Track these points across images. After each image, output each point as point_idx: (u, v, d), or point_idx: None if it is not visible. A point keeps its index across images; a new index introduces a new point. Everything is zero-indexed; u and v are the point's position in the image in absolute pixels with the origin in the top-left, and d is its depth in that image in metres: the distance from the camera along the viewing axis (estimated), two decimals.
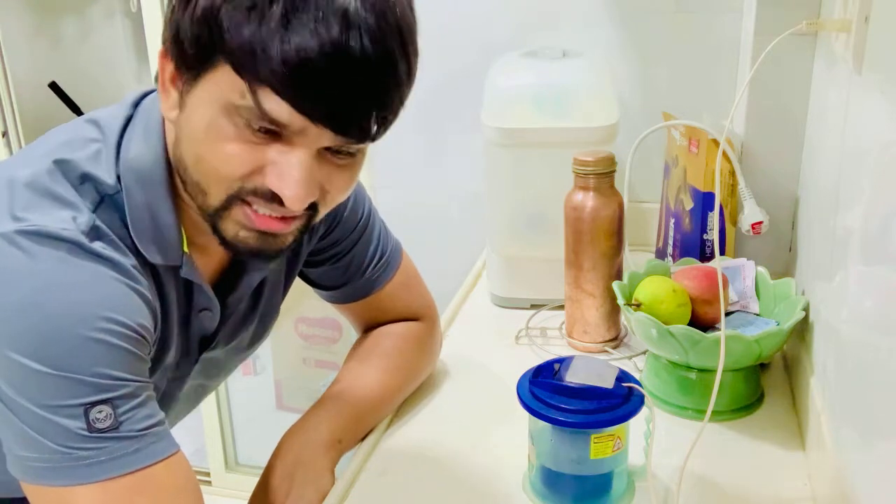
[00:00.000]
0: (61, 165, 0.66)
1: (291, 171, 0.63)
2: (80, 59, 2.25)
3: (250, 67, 0.59)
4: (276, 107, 0.60)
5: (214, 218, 0.67)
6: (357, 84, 0.60)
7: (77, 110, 2.13)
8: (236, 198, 0.65)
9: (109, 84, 2.29)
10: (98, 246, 0.64)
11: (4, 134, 1.92)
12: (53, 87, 2.12)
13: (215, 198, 0.66)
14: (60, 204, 0.65)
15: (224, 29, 0.59)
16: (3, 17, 1.98)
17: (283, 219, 0.67)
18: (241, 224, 0.67)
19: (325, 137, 0.63)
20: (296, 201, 0.64)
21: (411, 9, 0.65)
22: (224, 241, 0.68)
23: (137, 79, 2.31)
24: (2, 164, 0.70)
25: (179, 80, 0.65)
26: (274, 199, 0.65)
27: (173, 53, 0.64)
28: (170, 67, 0.65)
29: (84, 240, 0.63)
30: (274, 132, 0.62)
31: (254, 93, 0.60)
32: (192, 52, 0.62)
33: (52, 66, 2.16)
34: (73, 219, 0.64)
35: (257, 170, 0.64)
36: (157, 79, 0.69)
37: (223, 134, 0.63)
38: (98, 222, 0.65)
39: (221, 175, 0.64)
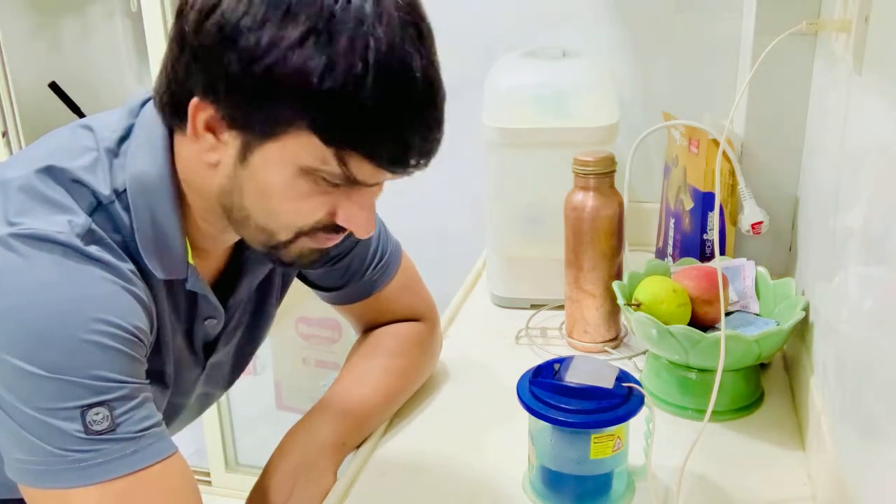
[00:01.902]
0: (55, 172, 0.66)
1: (363, 213, 0.68)
2: (80, 59, 2.25)
3: (341, 138, 0.62)
4: (361, 168, 0.64)
5: (277, 248, 0.70)
6: (433, 134, 0.65)
7: (77, 110, 2.13)
8: (304, 234, 0.69)
9: (109, 84, 2.29)
10: (94, 249, 0.64)
11: (4, 134, 1.92)
12: (53, 87, 2.12)
13: (282, 238, 0.69)
14: (56, 208, 0.64)
15: (312, 99, 0.60)
16: (3, 17, 1.98)
17: None
18: (308, 248, 0.71)
19: (391, 176, 0.67)
20: (367, 235, 0.70)
21: None
22: (282, 262, 0.72)
23: (138, 79, 2.31)
24: None
25: (226, 129, 0.64)
26: (339, 229, 0.69)
27: (222, 105, 0.63)
28: (208, 114, 0.64)
29: (79, 243, 0.63)
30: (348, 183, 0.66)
31: (341, 159, 0.63)
32: (263, 112, 0.62)
33: (52, 66, 2.16)
34: (68, 222, 0.64)
35: (329, 213, 0.68)
36: (158, 94, 0.68)
37: (299, 192, 0.65)
38: (94, 226, 0.65)
39: (295, 224, 0.68)
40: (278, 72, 0.59)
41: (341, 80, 0.59)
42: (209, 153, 0.66)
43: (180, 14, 0.64)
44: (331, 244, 0.71)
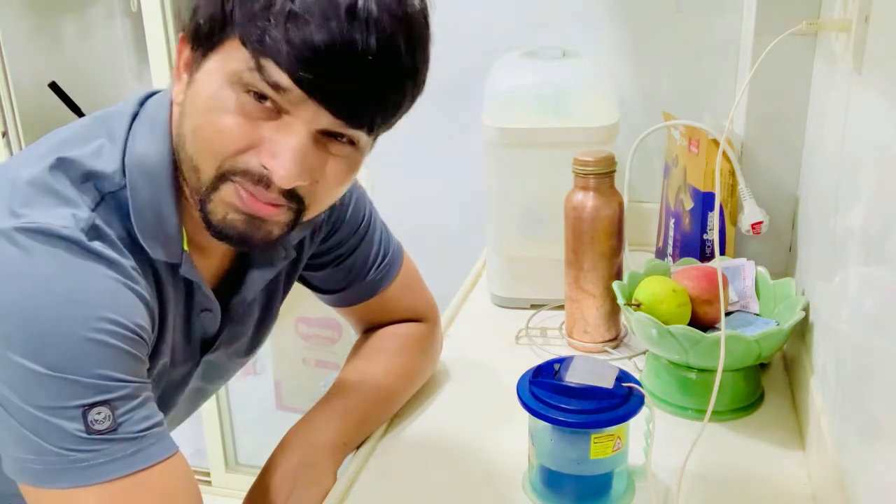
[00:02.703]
0: (62, 163, 0.66)
1: (285, 149, 0.63)
2: (80, 59, 2.26)
3: (257, 41, 0.61)
4: (279, 77, 0.62)
5: (204, 200, 0.67)
6: (358, 73, 0.62)
7: (77, 110, 2.13)
8: (226, 177, 0.66)
9: (109, 84, 2.29)
10: (97, 245, 0.64)
11: (4, 134, 1.92)
12: (53, 87, 2.12)
13: (206, 175, 0.66)
14: (60, 201, 0.64)
15: (237, 4, 0.62)
16: (3, 17, 1.98)
17: (272, 204, 0.67)
18: (230, 205, 0.67)
19: (322, 118, 0.64)
20: (286, 179, 0.64)
21: (425, 19, 0.67)
22: (211, 225, 0.68)
23: (138, 79, 2.31)
24: (5, 162, 0.70)
25: (193, 63, 0.67)
26: (261, 180, 0.65)
27: (190, 35, 0.66)
28: (186, 52, 0.68)
29: (83, 238, 0.63)
30: (273, 110, 0.64)
31: (258, 63, 0.62)
32: (206, 30, 0.65)
33: (52, 66, 2.16)
34: (72, 216, 0.63)
35: (251, 146, 0.64)
36: (171, 86, 0.70)
37: (224, 104, 0.64)
38: (98, 222, 0.65)
39: (215, 148, 0.65)
40: None
41: None
42: (180, 94, 0.68)
43: None
44: (256, 208, 0.66)
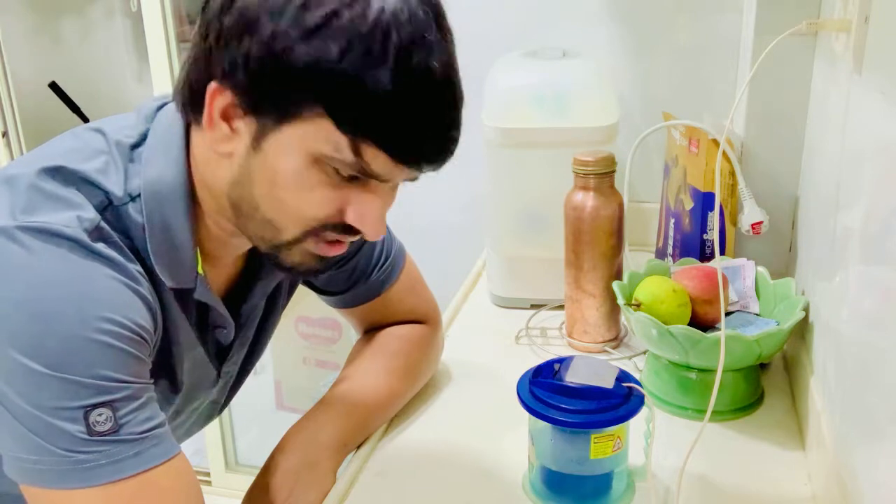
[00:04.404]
0: (66, 172, 0.65)
1: (373, 212, 0.67)
2: (80, 59, 2.26)
3: (357, 125, 0.61)
4: (376, 160, 0.63)
5: (280, 248, 0.69)
6: (449, 133, 0.66)
7: (77, 110, 2.13)
8: (312, 233, 0.68)
9: (109, 84, 2.29)
10: (101, 246, 0.63)
11: (4, 134, 1.92)
12: (53, 87, 2.12)
13: (290, 234, 0.68)
14: (64, 205, 0.64)
15: (330, 82, 0.60)
16: (3, 17, 1.98)
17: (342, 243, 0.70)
18: (310, 253, 0.69)
19: (405, 174, 0.66)
20: (377, 236, 0.68)
21: None
22: (281, 266, 0.71)
23: (137, 79, 2.31)
24: (4, 168, 0.69)
25: (241, 117, 0.64)
26: (347, 230, 0.68)
27: (240, 90, 0.63)
28: (224, 100, 0.64)
29: (86, 238, 0.62)
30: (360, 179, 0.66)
31: (355, 148, 0.62)
32: (280, 96, 0.62)
33: (52, 66, 2.16)
34: (77, 217, 0.63)
35: (339, 210, 0.67)
36: (177, 87, 0.69)
37: (310, 182, 0.65)
38: (102, 224, 0.65)
39: (305, 218, 0.66)
40: (297, 54, 0.60)
41: (358, 63, 0.59)
42: (223, 143, 0.66)
43: (206, 3, 0.65)
44: (334, 252, 0.70)
